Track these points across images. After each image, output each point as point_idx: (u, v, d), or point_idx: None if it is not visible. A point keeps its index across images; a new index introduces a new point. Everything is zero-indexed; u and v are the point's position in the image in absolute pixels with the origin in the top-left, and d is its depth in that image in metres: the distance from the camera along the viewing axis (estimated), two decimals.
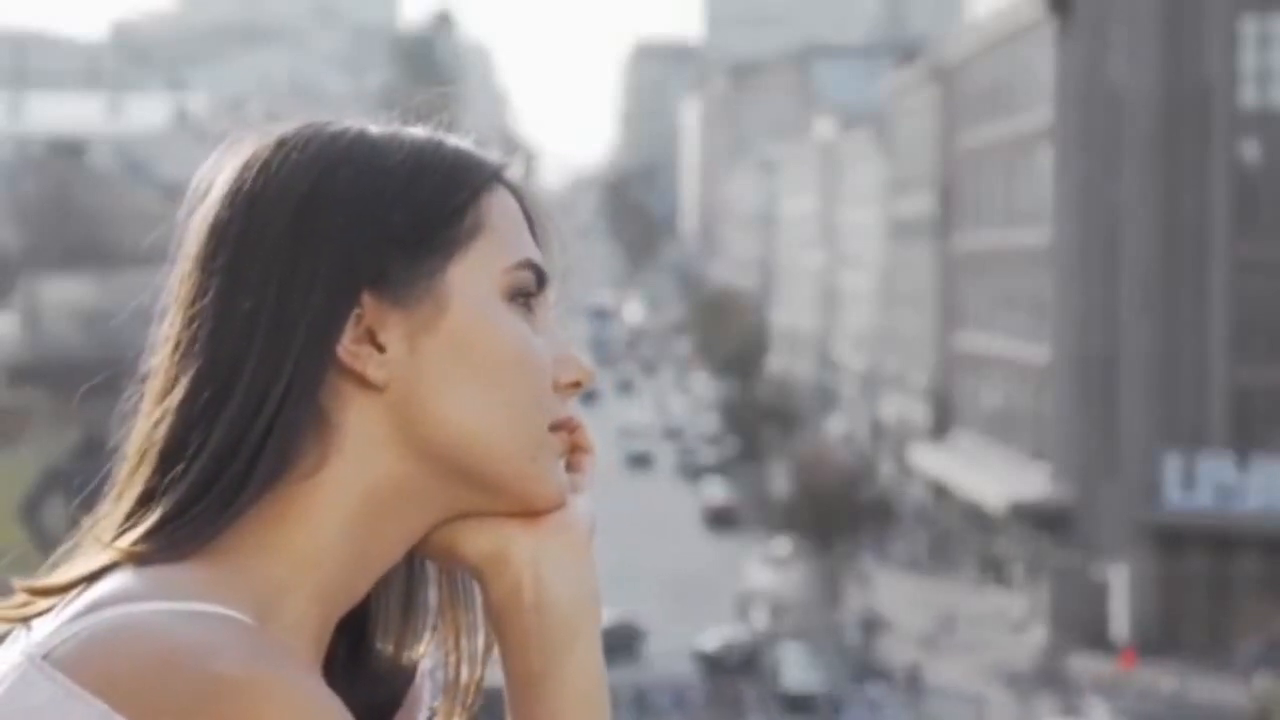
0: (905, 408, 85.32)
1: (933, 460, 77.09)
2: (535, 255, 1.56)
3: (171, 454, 1.48)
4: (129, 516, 1.49)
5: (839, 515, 65.88)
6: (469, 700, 1.62)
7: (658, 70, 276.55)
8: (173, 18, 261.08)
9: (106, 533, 1.49)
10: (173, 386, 1.50)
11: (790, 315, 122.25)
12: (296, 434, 1.47)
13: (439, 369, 1.50)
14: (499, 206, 1.55)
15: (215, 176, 1.54)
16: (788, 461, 77.27)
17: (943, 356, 78.85)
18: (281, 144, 1.53)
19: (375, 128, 1.55)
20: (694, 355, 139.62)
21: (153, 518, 1.47)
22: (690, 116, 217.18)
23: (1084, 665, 55.34)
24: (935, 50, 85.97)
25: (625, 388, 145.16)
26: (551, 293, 1.58)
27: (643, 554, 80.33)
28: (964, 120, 76.53)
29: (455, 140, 1.58)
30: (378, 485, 1.50)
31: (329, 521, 1.49)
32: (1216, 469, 57.10)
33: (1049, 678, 54.70)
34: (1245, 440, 57.32)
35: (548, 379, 1.53)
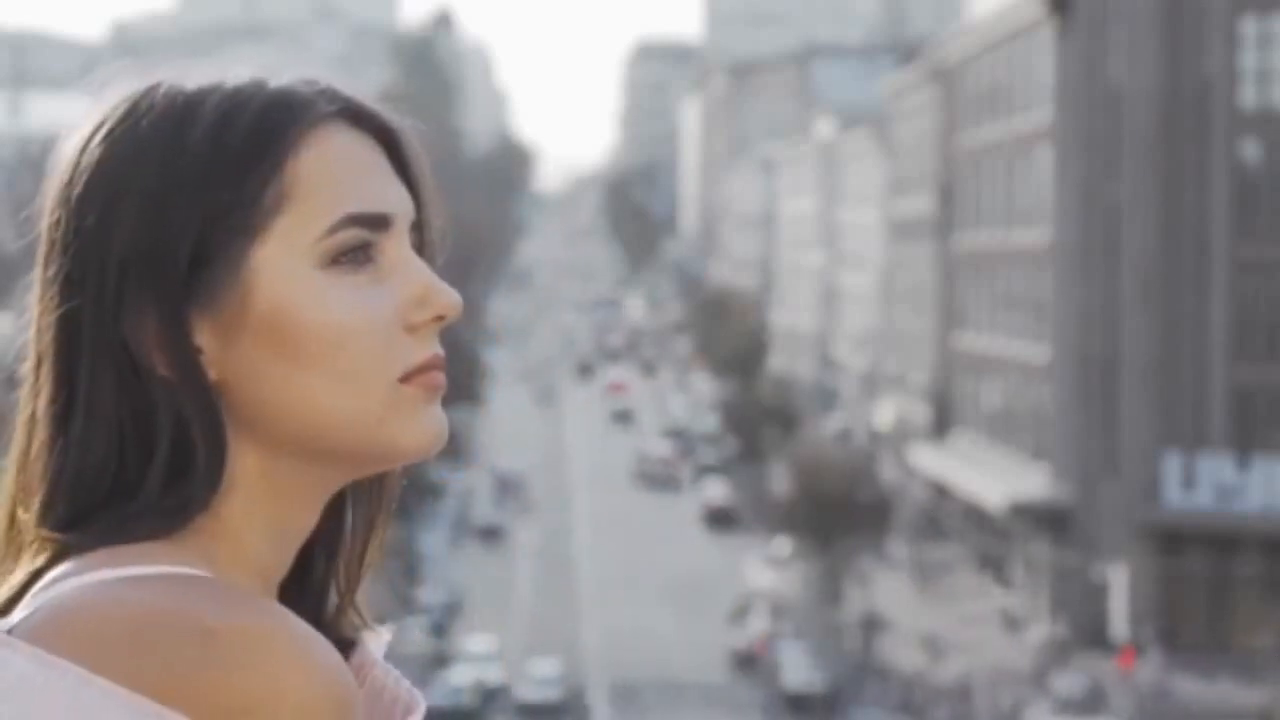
0: (905, 408, 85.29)
1: (933, 460, 77.05)
2: (364, 203, 1.51)
3: (47, 466, 1.51)
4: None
5: (839, 515, 65.82)
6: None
7: (658, 70, 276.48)
8: (173, 18, 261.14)
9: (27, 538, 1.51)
10: (37, 394, 1.52)
11: (790, 315, 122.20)
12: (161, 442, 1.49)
13: (254, 358, 1.48)
14: (319, 158, 1.51)
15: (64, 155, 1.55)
16: (788, 461, 77.21)
17: (943, 356, 78.81)
18: (100, 127, 1.53)
19: (191, 85, 1.52)
20: (694, 355, 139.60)
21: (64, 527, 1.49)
22: (690, 116, 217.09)
23: (1084, 665, 55.33)
24: (935, 50, 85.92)
25: (614, 357, 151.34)
26: (404, 224, 1.54)
27: (643, 554, 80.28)
28: (964, 120, 76.51)
29: (274, 85, 1.53)
30: (248, 479, 1.50)
31: (227, 510, 1.50)
32: (1216, 469, 57.06)
33: (1049, 677, 54.67)
34: (1245, 440, 57.28)
35: (385, 334, 1.50)
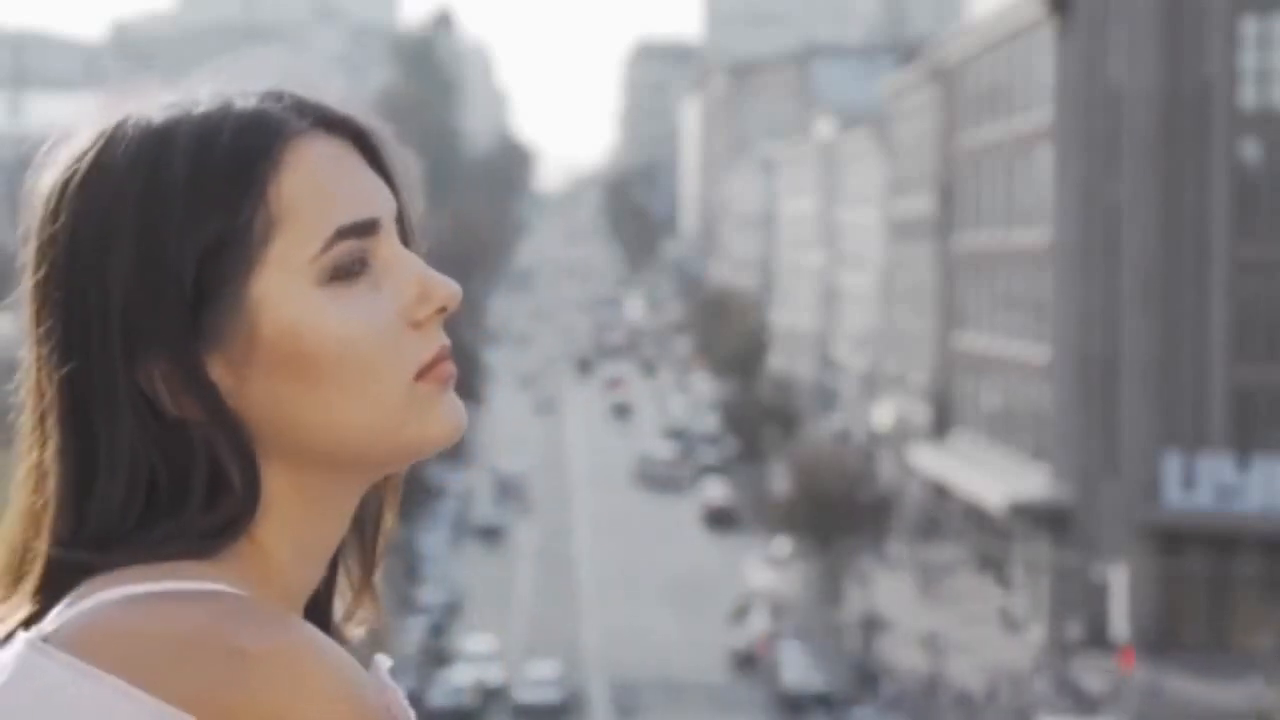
0: (905, 408, 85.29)
1: (932, 460, 77.05)
2: (351, 212, 1.50)
3: (67, 491, 1.50)
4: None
5: (839, 515, 65.83)
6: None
7: (658, 70, 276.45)
8: (173, 18, 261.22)
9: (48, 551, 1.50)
10: (43, 443, 1.51)
11: (790, 315, 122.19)
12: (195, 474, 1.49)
13: (269, 384, 1.48)
14: (299, 176, 1.49)
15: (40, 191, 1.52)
16: (788, 461, 77.22)
17: (943, 356, 78.80)
18: (66, 185, 1.50)
19: (158, 117, 1.50)
20: (694, 355, 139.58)
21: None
22: (690, 116, 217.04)
23: (1084, 665, 55.33)
24: (935, 50, 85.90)
25: (614, 357, 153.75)
26: (390, 222, 1.53)
27: (643, 554, 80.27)
28: (964, 120, 76.50)
29: (241, 106, 1.50)
30: (279, 499, 1.51)
31: (261, 532, 1.50)
32: (1216, 469, 57.06)
33: (1048, 677, 54.67)
34: (1245, 440, 57.28)
35: (392, 337, 1.50)
